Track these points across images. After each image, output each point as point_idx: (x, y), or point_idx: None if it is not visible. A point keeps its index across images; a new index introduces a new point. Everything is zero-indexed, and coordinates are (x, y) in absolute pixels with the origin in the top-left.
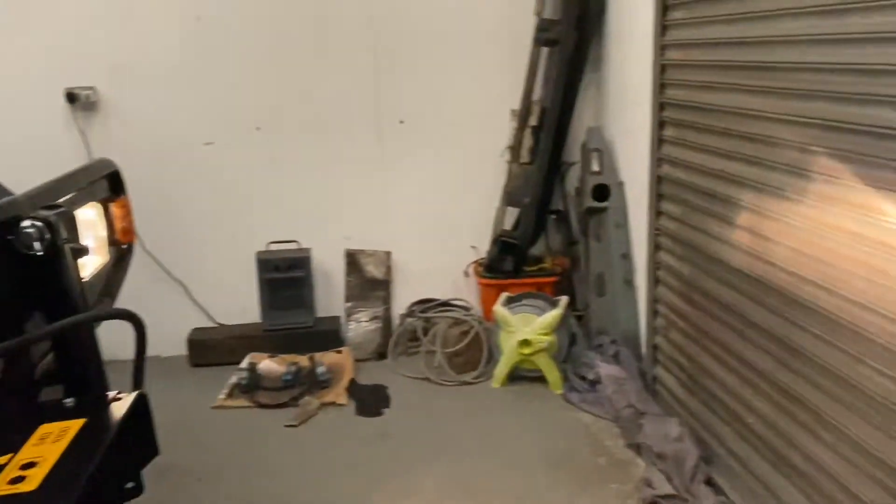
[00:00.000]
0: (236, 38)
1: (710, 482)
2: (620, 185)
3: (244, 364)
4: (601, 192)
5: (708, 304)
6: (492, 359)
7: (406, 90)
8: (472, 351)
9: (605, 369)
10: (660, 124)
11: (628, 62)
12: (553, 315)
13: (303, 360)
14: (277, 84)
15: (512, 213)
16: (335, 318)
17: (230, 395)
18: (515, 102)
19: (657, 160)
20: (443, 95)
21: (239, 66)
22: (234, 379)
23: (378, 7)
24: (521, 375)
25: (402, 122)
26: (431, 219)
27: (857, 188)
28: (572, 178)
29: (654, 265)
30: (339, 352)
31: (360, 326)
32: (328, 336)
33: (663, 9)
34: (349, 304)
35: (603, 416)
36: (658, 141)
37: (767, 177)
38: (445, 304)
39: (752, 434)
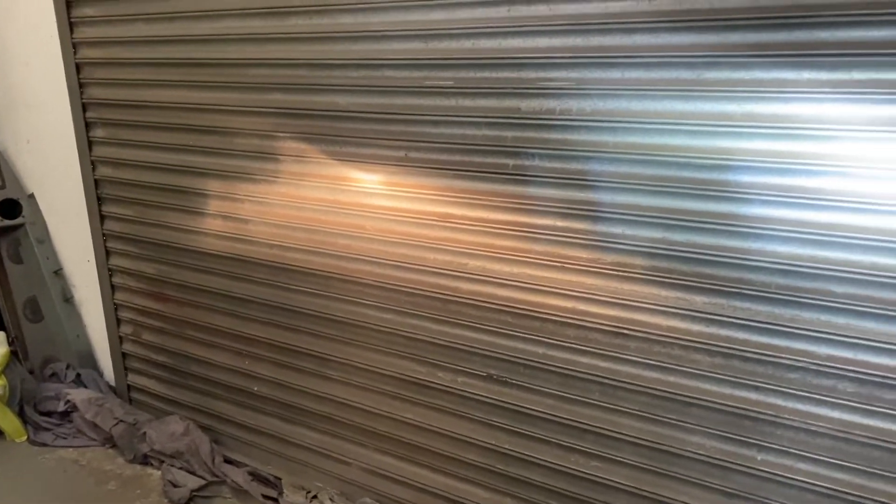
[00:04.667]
0: None
1: (228, 460)
2: (31, 197)
3: None
4: (11, 209)
5: (186, 296)
6: None
7: None
8: None
9: (78, 395)
10: (86, 125)
11: (16, 61)
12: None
13: None
14: None
15: None
16: None
17: None
18: None
19: (91, 163)
20: None
21: None
22: None
23: None
24: None
25: None
26: None
27: (324, 162)
28: None
29: (109, 272)
30: None
31: None
32: None
33: (67, 5)
34: None
35: (88, 444)
36: (88, 143)
37: (232, 164)
38: None
39: (259, 400)
